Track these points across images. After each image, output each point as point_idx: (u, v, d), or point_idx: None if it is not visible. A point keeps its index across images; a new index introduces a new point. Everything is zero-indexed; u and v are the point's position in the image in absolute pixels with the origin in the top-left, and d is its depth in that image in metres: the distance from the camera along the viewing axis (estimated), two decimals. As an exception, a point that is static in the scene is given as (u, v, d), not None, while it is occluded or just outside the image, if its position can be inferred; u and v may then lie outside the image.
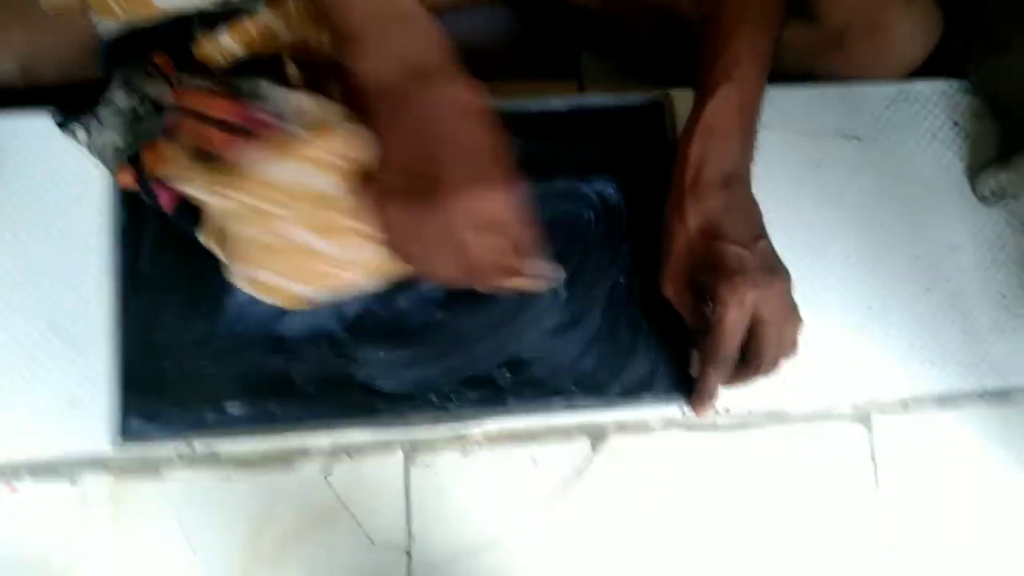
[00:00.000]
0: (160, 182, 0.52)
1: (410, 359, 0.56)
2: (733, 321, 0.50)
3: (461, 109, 0.47)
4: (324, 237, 0.49)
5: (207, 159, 0.48)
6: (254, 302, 0.55)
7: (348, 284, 0.51)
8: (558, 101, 0.61)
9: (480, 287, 0.50)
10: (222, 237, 0.51)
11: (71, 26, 0.60)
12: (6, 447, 0.53)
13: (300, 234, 0.49)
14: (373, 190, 0.48)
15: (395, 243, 0.49)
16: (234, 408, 0.54)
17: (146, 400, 0.54)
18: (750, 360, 0.52)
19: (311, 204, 0.48)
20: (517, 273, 0.50)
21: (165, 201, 0.53)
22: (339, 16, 0.47)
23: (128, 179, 0.54)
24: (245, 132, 0.48)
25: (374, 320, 0.56)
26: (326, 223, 0.49)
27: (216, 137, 0.48)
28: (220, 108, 0.48)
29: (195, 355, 0.54)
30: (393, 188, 0.47)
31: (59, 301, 0.55)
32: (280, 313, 0.55)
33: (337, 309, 0.56)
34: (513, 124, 0.59)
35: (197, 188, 0.48)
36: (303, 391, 0.54)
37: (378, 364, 0.55)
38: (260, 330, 0.55)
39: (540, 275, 0.50)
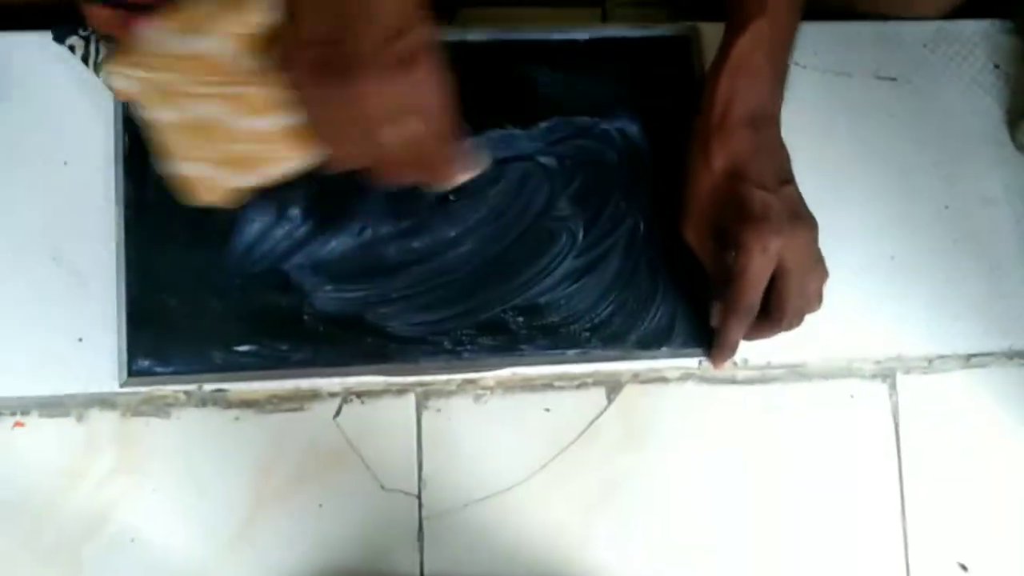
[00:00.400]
0: None
1: (423, 303, 0.54)
2: (756, 269, 0.48)
3: None
4: (241, 112, 0.46)
5: (114, 42, 0.46)
6: (263, 239, 0.54)
7: (274, 164, 0.49)
8: (580, 31, 0.58)
9: (390, 178, 0.46)
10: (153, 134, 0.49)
11: None
12: (14, 382, 0.52)
13: (214, 110, 0.46)
14: (280, 59, 0.44)
15: (304, 117, 0.45)
16: (243, 349, 0.53)
17: (152, 339, 0.53)
18: (772, 312, 0.50)
19: (222, 77, 0.45)
20: (432, 165, 0.47)
21: None
22: None
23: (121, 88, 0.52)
24: (146, 8, 0.45)
25: (385, 261, 0.55)
26: (241, 97, 0.46)
27: (110, 16, 0.46)
28: None
29: (202, 293, 0.53)
30: (301, 58, 0.43)
31: (64, 232, 0.54)
32: (291, 251, 0.54)
33: (347, 250, 0.55)
34: (532, 54, 0.58)
35: (111, 75, 0.45)
36: (314, 332, 0.54)
37: (390, 306, 0.54)
38: (270, 268, 0.54)
39: (461, 166, 0.47)
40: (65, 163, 0.54)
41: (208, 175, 0.48)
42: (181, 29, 0.44)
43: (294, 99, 0.44)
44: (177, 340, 0.53)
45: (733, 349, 0.53)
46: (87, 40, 0.54)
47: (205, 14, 0.44)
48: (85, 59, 0.54)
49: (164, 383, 0.53)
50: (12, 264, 0.53)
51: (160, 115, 0.47)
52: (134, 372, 0.53)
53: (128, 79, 0.45)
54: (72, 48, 0.54)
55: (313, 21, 0.43)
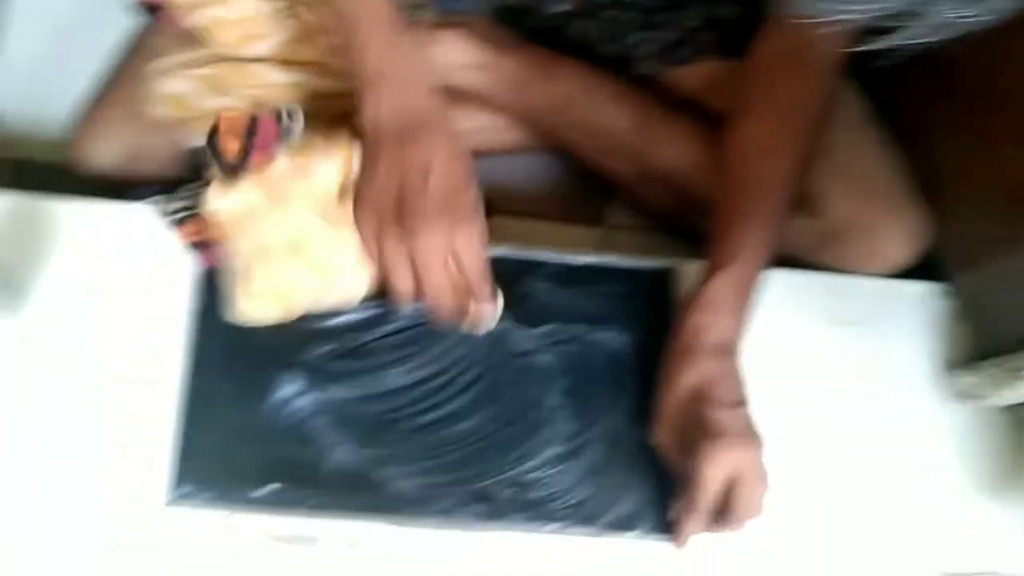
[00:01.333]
0: (207, 244, 0.64)
1: (425, 468, 0.64)
2: (710, 478, 0.57)
3: (441, 156, 0.59)
4: (323, 242, 0.61)
5: (233, 171, 0.61)
6: (296, 399, 0.64)
7: (336, 290, 0.63)
8: (579, 257, 0.71)
9: (432, 311, 0.60)
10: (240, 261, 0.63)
11: (171, 130, 0.72)
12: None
13: (303, 235, 0.61)
14: (356, 208, 0.60)
15: (371, 254, 0.60)
16: (269, 490, 0.62)
17: (197, 471, 0.62)
18: (723, 514, 0.59)
19: (314, 206, 0.61)
20: (464, 307, 0.60)
21: (209, 257, 0.65)
22: (358, 71, 0.61)
23: (189, 233, 0.65)
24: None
25: (397, 429, 0.65)
26: (322, 225, 0.61)
27: (238, 148, 0.61)
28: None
29: (242, 439, 0.63)
30: (372, 210, 0.59)
31: (140, 368, 0.64)
32: (318, 412, 0.64)
33: (366, 416, 0.65)
34: (539, 271, 0.70)
35: (226, 196, 0.60)
36: (329, 482, 0.63)
37: (396, 467, 0.64)
38: (299, 424, 0.64)
39: (484, 314, 0.60)
40: (146, 314, 0.66)
41: (279, 291, 0.62)
42: (294, 168, 0.61)
43: (364, 239, 0.60)
44: (217, 475, 0.62)
45: (690, 540, 0.61)
46: (169, 199, 0.67)
47: (309, 165, 0.61)
48: (163, 212, 0.67)
49: (201, 507, 0.62)
50: (95, 391, 0.64)
51: (254, 237, 0.61)
52: (178, 497, 0.62)
53: (234, 200, 0.60)
54: (155, 204, 0.67)
55: (386, 181, 0.59)
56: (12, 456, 0.63)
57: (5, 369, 0.64)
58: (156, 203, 0.67)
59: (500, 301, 0.62)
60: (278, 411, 0.64)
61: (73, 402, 0.64)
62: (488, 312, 0.61)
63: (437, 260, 0.58)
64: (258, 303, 0.62)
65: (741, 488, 0.58)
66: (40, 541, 0.61)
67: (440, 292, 0.59)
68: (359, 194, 0.60)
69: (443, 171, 0.59)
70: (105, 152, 0.73)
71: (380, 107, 0.60)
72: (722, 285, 0.62)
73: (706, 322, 0.61)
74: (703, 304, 0.62)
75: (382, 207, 0.59)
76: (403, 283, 0.60)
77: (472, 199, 0.60)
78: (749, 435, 0.59)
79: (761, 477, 0.59)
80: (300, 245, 0.61)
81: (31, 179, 0.73)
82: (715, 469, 0.57)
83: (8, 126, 0.84)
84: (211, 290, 0.66)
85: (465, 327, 0.62)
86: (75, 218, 0.68)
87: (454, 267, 0.59)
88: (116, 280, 0.67)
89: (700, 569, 0.64)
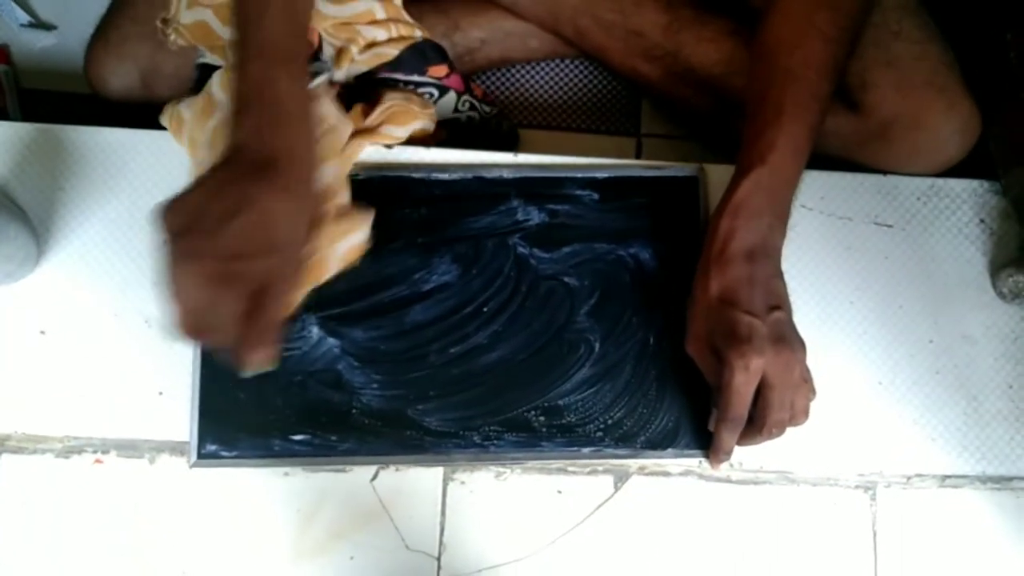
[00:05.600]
0: None
1: (457, 401, 0.69)
2: (739, 384, 0.61)
3: (264, 210, 0.54)
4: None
5: None
6: (321, 343, 0.69)
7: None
8: (600, 171, 0.74)
9: (184, 329, 0.54)
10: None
11: (186, 51, 0.76)
12: (99, 424, 0.68)
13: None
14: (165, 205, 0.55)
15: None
16: (298, 438, 0.68)
17: (220, 427, 0.68)
18: (756, 421, 0.63)
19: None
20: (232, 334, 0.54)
21: None
22: (234, 85, 0.57)
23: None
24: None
25: (426, 364, 0.70)
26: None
27: None
28: None
29: (266, 388, 0.68)
30: (175, 214, 0.54)
31: (157, 301, 0.70)
32: (344, 354, 0.69)
33: (394, 354, 0.70)
34: (561, 189, 0.73)
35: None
36: (359, 425, 0.68)
37: (427, 404, 0.69)
38: (325, 368, 0.69)
39: (244, 362, 0.54)
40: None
41: None
42: None
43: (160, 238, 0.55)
44: (242, 428, 0.68)
45: (728, 453, 0.66)
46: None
47: None
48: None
49: (228, 466, 0.68)
50: (111, 323, 0.70)
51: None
52: (202, 455, 0.68)
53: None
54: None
55: (204, 196, 0.54)
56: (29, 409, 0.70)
57: (20, 302, 0.71)
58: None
59: (275, 356, 0.56)
60: (300, 358, 0.70)
61: (94, 341, 0.70)
62: (250, 363, 0.55)
63: (199, 296, 0.53)
64: None
65: (772, 393, 0.61)
66: (58, 506, 0.68)
67: (197, 330, 0.54)
68: (179, 193, 0.55)
69: (252, 223, 0.54)
70: (120, 71, 0.78)
71: (241, 130, 0.57)
72: (753, 186, 0.64)
73: (736, 227, 0.64)
74: (732, 209, 0.64)
75: (186, 218, 0.54)
76: (172, 309, 0.54)
77: (278, 269, 0.55)
78: (783, 339, 0.62)
79: (795, 383, 0.62)
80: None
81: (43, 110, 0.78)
82: (742, 375, 0.61)
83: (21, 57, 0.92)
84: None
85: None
86: (90, 146, 0.73)
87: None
88: (132, 212, 0.72)
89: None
